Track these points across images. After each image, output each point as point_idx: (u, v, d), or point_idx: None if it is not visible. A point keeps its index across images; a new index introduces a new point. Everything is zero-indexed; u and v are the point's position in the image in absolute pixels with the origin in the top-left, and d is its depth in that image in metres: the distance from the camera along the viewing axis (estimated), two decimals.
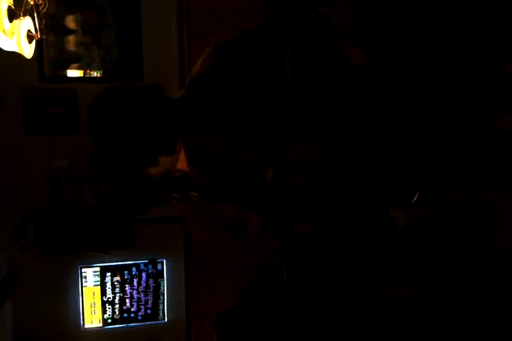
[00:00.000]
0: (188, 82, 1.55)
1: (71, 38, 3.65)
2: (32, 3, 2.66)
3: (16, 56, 2.73)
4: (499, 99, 1.70)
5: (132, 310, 3.97)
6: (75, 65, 3.72)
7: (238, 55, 1.52)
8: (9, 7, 2.47)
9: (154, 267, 3.97)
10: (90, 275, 3.83)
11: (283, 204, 1.57)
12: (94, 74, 3.78)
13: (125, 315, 3.96)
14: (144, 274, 3.96)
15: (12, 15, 2.49)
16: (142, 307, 3.99)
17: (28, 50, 2.73)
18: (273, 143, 1.50)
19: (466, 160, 1.67)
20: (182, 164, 1.57)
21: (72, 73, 3.74)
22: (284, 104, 1.51)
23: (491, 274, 2.88)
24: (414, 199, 2.91)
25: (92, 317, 3.88)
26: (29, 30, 2.68)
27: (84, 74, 3.76)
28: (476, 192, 2.66)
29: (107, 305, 3.90)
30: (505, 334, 2.57)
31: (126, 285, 3.93)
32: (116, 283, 3.90)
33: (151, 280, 3.98)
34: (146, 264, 3.96)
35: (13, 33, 2.55)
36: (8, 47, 2.60)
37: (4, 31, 2.42)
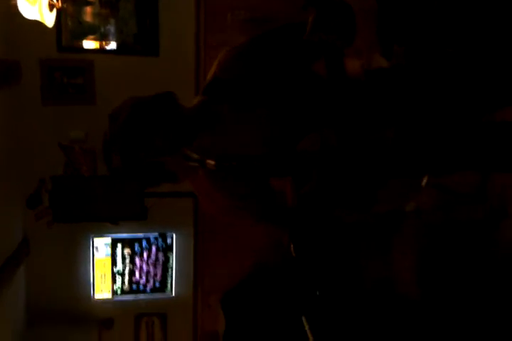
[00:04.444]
0: (204, 87, 1.59)
1: (89, 9, 3.66)
2: None
3: (35, 26, 2.76)
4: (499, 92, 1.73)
5: (141, 282, 4.04)
6: (92, 37, 3.73)
7: (255, 55, 1.55)
8: None
9: (164, 241, 4.02)
10: (102, 247, 3.89)
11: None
12: (111, 46, 3.80)
13: (134, 286, 4.03)
14: (153, 247, 4.01)
15: None
16: (151, 279, 4.06)
17: (49, 19, 2.75)
18: (289, 135, 1.53)
19: (471, 145, 1.69)
20: None
21: (89, 44, 3.76)
22: (302, 95, 1.54)
23: (496, 260, 2.91)
24: (424, 183, 2.94)
25: (102, 287, 3.95)
26: None
27: (101, 45, 3.78)
28: (485, 175, 2.69)
29: (117, 276, 3.97)
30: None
31: (136, 258, 3.99)
32: (126, 255, 3.96)
33: (160, 254, 4.04)
34: (156, 238, 4.01)
35: (35, 1, 2.57)
36: (31, 15, 2.62)
37: None
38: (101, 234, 3.86)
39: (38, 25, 2.73)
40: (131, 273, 4.00)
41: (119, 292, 4.00)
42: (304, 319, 3.06)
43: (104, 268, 3.93)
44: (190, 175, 1.56)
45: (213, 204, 1.63)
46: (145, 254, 4.00)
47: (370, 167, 1.58)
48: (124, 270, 3.98)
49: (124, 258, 3.96)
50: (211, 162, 1.44)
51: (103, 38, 3.73)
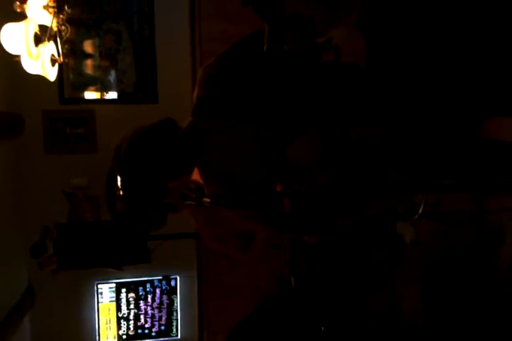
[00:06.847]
0: (192, 109, 1.68)
1: (89, 61, 3.82)
2: (56, 29, 2.82)
3: (37, 80, 2.88)
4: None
5: (146, 326, 4.03)
6: (93, 88, 3.88)
7: (229, 70, 1.64)
8: (35, 33, 2.64)
9: (168, 283, 4.04)
10: (106, 292, 3.91)
11: (292, 217, 1.65)
12: (111, 95, 3.93)
13: (139, 331, 4.02)
14: (158, 290, 4.02)
15: (38, 40, 2.65)
16: (156, 323, 4.05)
17: (51, 73, 2.88)
18: (280, 145, 1.60)
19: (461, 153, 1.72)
20: (196, 176, 1.70)
21: (90, 95, 3.90)
22: (283, 98, 1.62)
23: (496, 285, 2.93)
24: (420, 211, 2.98)
25: (108, 333, 3.94)
26: (52, 55, 2.83)
27: (101, 95, 3.92)
28: (480, 203, 2.74)
29: (122, 321, 3.96)
30: None
31: (141, 302, 4.00)
32: (131, 299, 3.97)
33: (164, 297, 4.04)
34: (160, 281, 4.03)
35: (38, 57, 2.71)
36: (34, 70, 2.75)
37: (31, 55, 2.57)
38: (105, 280, 3.88)
39: (40, 79, 2.86)
40: (136, 317, 4.00)
41: (124, 337, 3.99)
42: None
43: (109, 314, 3.93)
44: (187, 205, 1.62)
45: (214, 228, 1.69)
46: (149, 298, 4.01)
47: (360, 167, 1.61)
48: (129, 315, 3.98)
49: (128, 302, 3.97)
50: (207, 200, 1.51)
51: (103, 88, 3.88)
